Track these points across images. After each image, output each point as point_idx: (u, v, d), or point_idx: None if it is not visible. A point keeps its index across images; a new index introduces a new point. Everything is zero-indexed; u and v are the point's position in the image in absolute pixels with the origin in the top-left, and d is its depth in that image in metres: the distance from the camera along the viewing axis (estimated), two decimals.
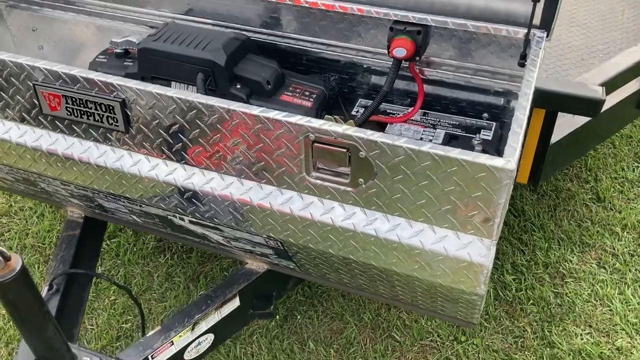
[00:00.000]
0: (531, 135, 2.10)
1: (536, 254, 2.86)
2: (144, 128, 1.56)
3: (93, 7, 2.38)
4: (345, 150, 1.35)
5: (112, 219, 2.17)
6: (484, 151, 1.86)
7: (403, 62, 1.86)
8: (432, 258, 1.44)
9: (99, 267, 2.88)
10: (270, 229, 1.60)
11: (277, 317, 2.63)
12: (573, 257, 2.84)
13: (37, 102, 1.64)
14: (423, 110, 2.05)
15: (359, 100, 2.14)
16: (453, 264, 1.43)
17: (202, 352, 1.95)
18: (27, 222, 3.11)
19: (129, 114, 1.55)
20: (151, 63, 2.02)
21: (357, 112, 2.09)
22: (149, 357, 1.78)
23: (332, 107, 2.13)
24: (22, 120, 1.73)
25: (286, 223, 1.56)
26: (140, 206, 1.80)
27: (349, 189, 1.42)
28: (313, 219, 1.51)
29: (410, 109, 2.03)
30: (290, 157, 1.44)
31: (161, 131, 1.54)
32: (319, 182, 1.45)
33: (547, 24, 1.67)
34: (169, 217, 1.80)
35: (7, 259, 1.43)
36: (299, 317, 2.64)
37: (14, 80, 1.63)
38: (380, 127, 2.01)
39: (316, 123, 1.35)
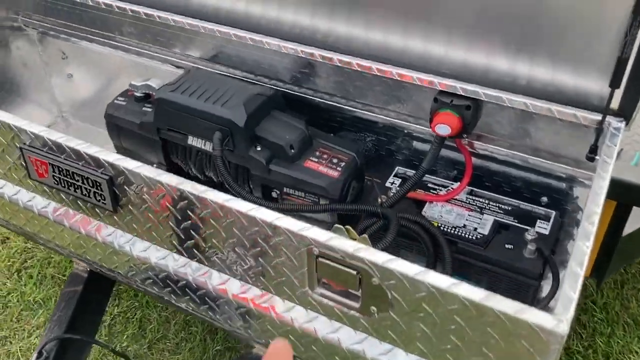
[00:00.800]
0: (599, 227, 1.77)
1: (596, 341, 2.50)
2: (133, 210, 1.35)
3: (122, 42, 2.21)
4: (355, 272, 1.09)
5: (116, 279, 1.99)
6: (537, 250, 1.55)
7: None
8: None
9: (115, 307, 2.73)
10: (269, 336, 1.36)
11: None
12: None
13: (25, 165, 1.47)
14: (470, 188, 1.76)
15: (397, 167, 1.86)
16: None
17: None
18: (50, 250, 3.00)
19: (117, 193, 1.34)
20: (167, 115, 1.82)
21: (392, 183, 1.82)
22: None
23: (367, 169, 1.87)
24: (14, 179, 1.56)
25: (287, 334, 1.31)
26: (135, 283, 1.60)
27: (358, 314, 1.16)
28: (317, 336, 1.26)
29: (455, 186, 1.75)
30: (290, 268, 1.19)
31: (151, 216, 1.33)
32: (324, 300, 1.20)
33: (627, 111, 1.36)
34: (165, 298, 1.59)
35: None
36: None
37: (2, 139, 1.47)
38: (417, 205, 1.74)
39: (321, 236, 1.10)
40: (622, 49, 1.26)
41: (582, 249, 1.07)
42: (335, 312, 1.20)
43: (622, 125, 1.36)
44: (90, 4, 1.95)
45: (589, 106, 1.41)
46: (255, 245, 1.20)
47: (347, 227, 1.15)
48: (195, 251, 1.33)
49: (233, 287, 1.35)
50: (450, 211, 1.70)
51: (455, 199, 1.73)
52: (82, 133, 2.60)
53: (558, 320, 0.94)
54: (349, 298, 1.16)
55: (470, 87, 1.48)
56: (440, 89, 1.52)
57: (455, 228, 1.65)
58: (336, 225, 1.20)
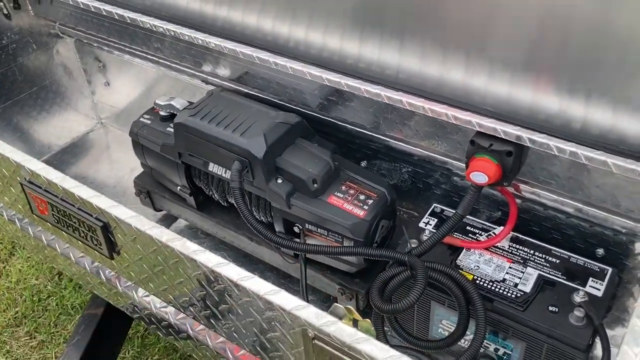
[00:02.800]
0: None
1: None
2: (128, 258, 1.25)
3: (153, 54, 2.13)
4: None
5: None
6: (587, 317, 1.34)
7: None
8: None
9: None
10: None
11: None
12: None
13: (27, 201, 1.40)
14: (514, 234, 1.56)
15: (434, 205, 1.68)
16: None
17: None
18: None
19: (113, 240, 1.25)
20: (187, 140, 1.72)
21: (427, 223, 1.64)
22: None
23: (402, 200, 1.71)
24: (20, 211, 1.50)
25: None
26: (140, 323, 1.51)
27: None
28: None
29: (497, 231, 1.55)
30: (287, 345, 1.06)
31: (147, 268, 1.23)
32: None
33: None
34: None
35: None
36: None
37: (5, 172, 1.40)
38: (453, 251, 1.56)
39: (316, 319, 0.95)
40: None
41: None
42: None
43: None
44: (117, 17, 1.87)
45: None
46: (249, 316, 1.08)
47: (349, 307, 1.00)
48: (191, 309, 1.21)
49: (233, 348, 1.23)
50: (490, 261, 1.51)
51: (496, 247, 1.54)
52: (120, 140, 2.56)
53: None
54: None
55: (513, 130, 1.28)
56: (478, 129, 1.33)
57: (493, 282, 1.46)
58: (335, 304, 1.05)
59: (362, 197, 1.59)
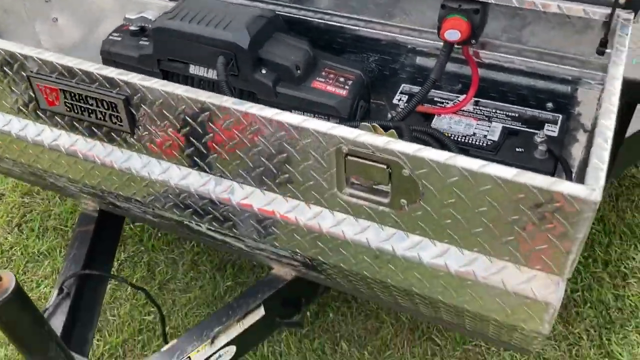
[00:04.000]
0: None
1: (595, 250, 2.58)
2: (151, 129, 1.35)
3: None
4: (385, 166, 1.11)
5: (127, 215, 1.99)
6: (549, 151, 1.59)
7: (456, 45, 1.59)
8: (486, 291, 1.21)
9: (122, 252, 2.73)
10: (296, 244, 1.39)
11: (308, 313, 2.45)
12: (637, 255, 2.56)
13: (33, 96, 1.44)
14: (476, 99, 1.78)
15: (402, 85, 1.87)
16: (512, 300, 1.19)
17: None
18: (49, 202, 2.98)
19: (134, 112, 1.34)
20: (167, 44, 1.79)
21: (399, 100, 1.83)
22: None
23: (371, 91, 1.87)
24: (21, 113, 1.54)
25: (314, 240, 1.34)
26: (154, 209, 1.60)
27: (388, 209, 1.19)
28: (345, 238, 1.29)
29: (462, 98, 1.76)
30: (319, 171, 1.20)
31: (171, 133, 1.33)
32: (353, 199, 1.22)
33: (635, 3, 1.37)
34: (185, 222, 1.60)
35: None
36: (331, 314, 2.45)
37: (7, 70, 1.44)
38: (426, 118, 1.75)
39: (350, 133, 1.11)
40: None
41: (604, 128, 1.09)
42: (364, 211, 1.22)
43: (631, 16, 1.38)
44: None
45: (598, 2, 1.42)
46: (282, 152, 1.21)
47: (374, 124, 1.16)
48: (218, 165, 1.33)
49: (257, 200, 1.36)
50: (459, 122, 1.72)
51: (463, 110, 1.75)
52: None
53: (590, 189, 0.97)
54: (378, 195, 1.18)
55: None
56: None
57: (465, 137, 1.67)
58: (362, 123, 1.21)
59: (341, 79, 1.75)
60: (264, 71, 1.73)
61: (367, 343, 2.35)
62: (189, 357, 1.65)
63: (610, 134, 1.08)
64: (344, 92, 1.71)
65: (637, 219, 2.68)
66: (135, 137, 1.39)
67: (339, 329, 2.41)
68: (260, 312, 1.78)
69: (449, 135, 1.68)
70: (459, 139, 1.66)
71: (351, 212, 1.24)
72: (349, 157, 1.14)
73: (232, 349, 1.78)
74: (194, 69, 1.81)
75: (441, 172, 1.06)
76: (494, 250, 1.14)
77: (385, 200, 1.17)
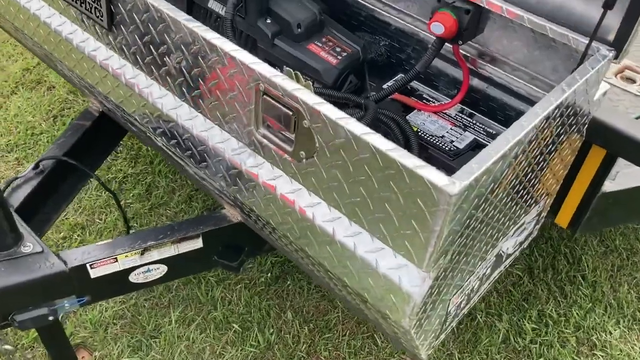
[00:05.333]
0: (583, 174, 1.74)
1: (572, 311, 2.47)
2: (124, 31, 1.44)
3: None
4: (291, 112, 1.14)
5: (120, 122, 2.11)
6: None
7: (448, 43, 1.58)
8: (361, 267, 1.22)
9: (131, 167, 2.89)
10: (221, 177, 1.45)
11: (269, 275, 2.50)
12: (616, 330, 2.42)
13: None
14: (462, 107, 1.76)
15: (400, 74, 1.87)
16: (380, 283, 1.19)
17: (151, 280, 1.86)
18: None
19: (113, 10, 1.43)
20: None
21: (389, 85, 1.83)
22: (88, 264, 1.72)
23: (373, 73, 1.89)
24: None
25: (235, 177, 1.39)
26: (123, 113, 1.71)
27: (289, 159, 1.22)
28: (258, 181, 1.33)
29: (447, 101, 1.75)
30: (241, 104, 1.25)
31: (137, 38, 1.42)
32: (264, 141, 1.26)
33: (619, 42, 1.31)
34: (143, 131, 1.69)
35: None
36: (289, 282, 2.50)
37: None
38: (406, 109, 1.76)
39: (267, 72, 1.15)
40: None
41: (503, 140, 1.07)
42: (273, 156, 1.26)
43: (611, 55, 1.32)
44: None
45: (588, 33, 1.37)
46: (215, 77, 1.27)
47: (297, 72, 1.20)
48: (169, 80, 1.41)
49: (198, 125, 1.43)
50: (435, 122, 1.71)
51: (444, 113, 1.74)
52: None
53: (451, 181, 0.97)
54: (285, 142, 1.22)
55: None
56: None
57: (432, 137, 1.66)
58: (287, 68, 1.25)
59: (338, 49, 1.78)
60: (268, 20, 1.79)
61: (312, 320, 2.38)
62: (116, 257, 1.75)
63: (503, 149, 1.05)
64: (334, 61, 1.74)
65: (632, 297, 2.53)
66: (112, 35, 1.49)
67: (292, 299, 2.44)
68: (198, 243, 1.85)
69: (417, 130, 1.67)
70: (425, 136, 1.65)
71: (262, 154, 1.28)
72: (265, 96, 1.18)
73: (163, 268, 1.86)
74: (211, 4, 1.89)
75: (332, 130, 1.09)
76: (369, 225, 1.15)
77: (289, 149, 1.21)
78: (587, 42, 1.34)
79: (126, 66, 1.53)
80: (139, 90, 1.47)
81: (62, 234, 2.58)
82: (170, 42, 1.32)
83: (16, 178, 1.93)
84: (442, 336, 1.53)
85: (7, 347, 1.77)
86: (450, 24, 1.48)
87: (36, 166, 1.96)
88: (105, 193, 2.73)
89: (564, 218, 1.88)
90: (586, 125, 1.52)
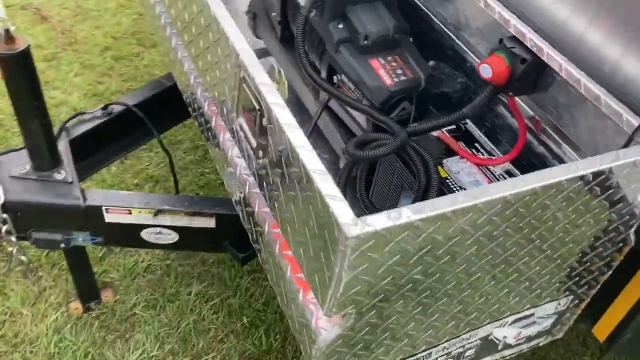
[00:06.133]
0: (632, 287, 1.46)
1: None
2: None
3: None
4: (258, 107, 1.08)
5: None
6: None
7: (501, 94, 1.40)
8: (289, 291, 1.12)
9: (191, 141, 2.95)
10: (217, 160, 1.42)
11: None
12: None
13: None
14: (511, 167, 1.56)
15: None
16: (298, 314, 1.09)
17: (161, 243, 1.90)
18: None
19: None
20: None
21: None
22: (104, 208, 1.79)
23: (441, 108, 1.75)
24: None
25: (230, 163, 1.35)
26: None
27: (253, 155, 1.15)
28: (236, 172, 1.29)
29: (495, 158, 1.56)
30: (230, 89, 1.21)
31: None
32: (240, 132, 1.21)
33: None
34: None
35: (10, 38, 1.54)
36: None
37: None
38: (448, 152, 1.60)
39: (248, 59, 1.09)
40: None
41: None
42: (243, 149, 1.20)
43: None
44: None
45: None
46: (214, 55, 1.24)
47: (280, 69, 1.12)
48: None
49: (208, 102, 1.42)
50: (472, 174, 1.53)
51: (487, 169, 1.55)
52: None
53: (355, 222, 0.84)
54: (253, 137, 1.16)
55: (538, 42, 1.28)
56: (513, 32, 1.34)
57: (460, 189, 1.49)
58: (273, 63, 1.18)
59: (399, 71, 1.66)
60: (340, 25, 1.72)
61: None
62: (130, 210, 1.80)
63: (462, 203, 0.89)
64: (388, 82, 1.63)
65: None
66: None
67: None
68: (211, 223, 1.85)
69: (447, 177, 1.51)
70: (452, 186, 1.49)
71: (237, 145, 1.24)
72: (243, 85, 1.13)
73: (174, 235, 1.89)
74: None
75: (278, 134, 1.00)
76: (294, 247, 1.05)
77: (254, 145, 1.14)
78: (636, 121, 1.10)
79: None
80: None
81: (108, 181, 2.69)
82: None
83: (84, 113, 2.07)
84: None
85: (23, 257, 1.90)
86: (501, 70, 1.31)
87: (105, 107, 2.08)
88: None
89: (602, 330, 1.59)
90: (634, 228, 1.27)
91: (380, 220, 0.85)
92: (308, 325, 1.04)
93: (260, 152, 1.10)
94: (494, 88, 1.39)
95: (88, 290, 2.26)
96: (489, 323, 1.33)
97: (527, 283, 1.27)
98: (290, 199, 1.01)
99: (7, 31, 1.52)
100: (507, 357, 1.54)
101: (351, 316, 0.99)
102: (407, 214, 0.86)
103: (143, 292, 2.36)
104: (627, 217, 1.21)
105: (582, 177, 1.00)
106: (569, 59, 1.26)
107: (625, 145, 1.12)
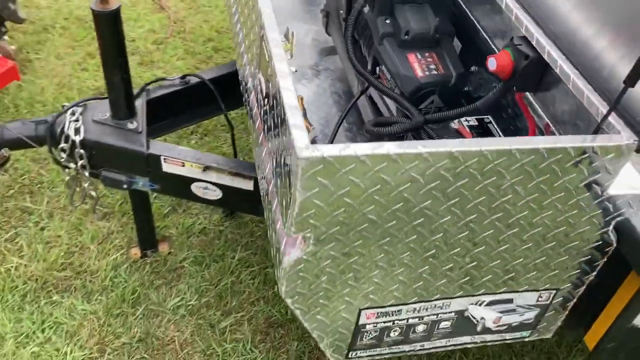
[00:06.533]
0: (618, 299, 1.49)
1: None
2: None
3: None
4: (267, 60, 1.27)
5: None
6: None
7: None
8: (271, 221, 1.30)
9: None
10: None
11: None
12: None
13: None
14: None
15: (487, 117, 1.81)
16: (275, 240, 1.26)
17: (208, 198, 2.13)
18: None
19: None
20: None
21: (468, 120, 1.79)
22: (162, 157, 2.06)
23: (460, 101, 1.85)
24: None
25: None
26: None
27: (262, 104, 1.35)
28: (255, 126, 1.49)
29: None
30: (256, 47, 1.42)
31: None
32: (258, 86, 1.41)
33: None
34: None
35: None
36: None
37: None
38: None
39: (267, 19, 1.29)
40: None
41: None
42: (259, 99, 1.40)
43: (634, 143, 1.14)
44: None
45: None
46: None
47: (293, 32, 1.30)
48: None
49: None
50: None
51: None
52: None
53: (307, 147, 1.01)
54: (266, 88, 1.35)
55: (544, 41, 1.38)
56: (523, 31, 1.44)
57: None
58: (288, 27, 1.36)
59: (432, 67, 1.79)
60: (387, 20, 1.88)
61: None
62: (183, 162, 2.06)
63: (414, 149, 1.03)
64: (420, 74, 1.77)
65: None
66: None
67: None
68: (249, 185, 2.06)
69: None
70: None
71: (255, 102, 1.43)
72: (262, 43, 1.33)
73: (219, 192, 2.12)
74: None
75: (271, 80, 1.19)
76: (279, 181, 1.23)
77: (264, 94, 1.34)
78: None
79: None
80: None
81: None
82: None
83: (164, 79, 2.37)
84: (361, 353, 1.50)
85: (93, 193, 2.21)
86: (505, 63, 1.42)
87: (183, 77, 2.37)
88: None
89: (592, 338, 1.62)
90: (611, 226, 1.32)
91: (329, 149, 1.01)
92: (279, 248, 1.21)
93: (266, 100, 1.30)
94: (505, 84, 1.50)
95: (148, 239, 2.55)
96: (461, 296, 1.43)
97: (499, 261, 1.35)
98: (277, 135, 1.19)
99: None
100: (489, 343, 1.61)
101: (310, 240, 1.15)
102: (355, 148, 1.02)
103: (194, 250, 2.62)
104: (600, 211, 1.27)
105: (535, 151, 1.10)
106: (575, 62, 1.35)
107: (595, 131, 1.19)
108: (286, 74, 1.11)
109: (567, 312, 1.57)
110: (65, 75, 3.42)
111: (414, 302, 1.39)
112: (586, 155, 1.14)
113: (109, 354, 2.24)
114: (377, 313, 1.39)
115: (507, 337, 1.60)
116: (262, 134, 1.44)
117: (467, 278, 1.37)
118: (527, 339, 1.63)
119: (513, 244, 1.31)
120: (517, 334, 1.60)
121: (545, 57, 1.36)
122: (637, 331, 1.47)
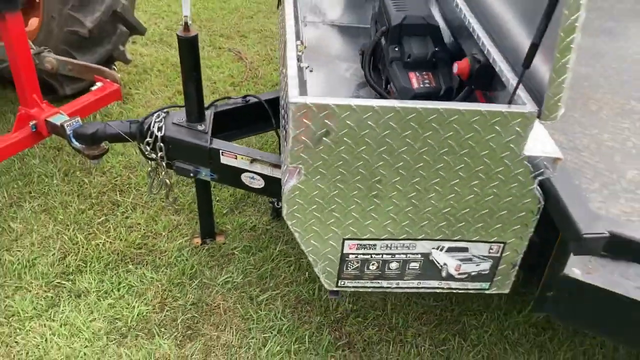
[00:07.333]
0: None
1: None
2: None
3: None
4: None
5: None
6: None
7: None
8: (284, 164, 1.82)
9: None
10: None
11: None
12: None
13: None
14: None
15: None
16: (284, 179, 1.79)
17: (253, 187, 2.68)
18: None
19: None
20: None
21: None
22: (221, 151, 2.64)
23: None
24: None
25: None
26: None
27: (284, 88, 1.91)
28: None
29: None
30: (282, 49, 2.00)
31: None
32: (284, 77, 1.98)
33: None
34: None
35: (187, 28, 2.51)
36: None
37: None
38: None
39: (289, 28, 1.87)
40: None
41: None
42: (283, 87, 1.96)
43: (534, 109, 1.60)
44: None
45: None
46: None
47: (304, 40, 1.86)
48: None
49: None
50: None
51: None
52: None
53: (298, 95, 1.55)
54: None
55: (493, 52, 1.87)
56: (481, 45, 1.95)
57: None
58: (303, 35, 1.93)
59: (427, 81, 2.31)
60: (396, 48, 2.44)
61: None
62: (236, 155, 2.63)
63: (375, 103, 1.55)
64: (416, 86, 2.29)
65: None
66: None
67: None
68: None
69: None
70: None
71: (282, 89, 2.00)
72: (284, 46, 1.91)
73: (262, 182, 2.67)
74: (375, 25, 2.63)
75: (286, 63, 1.75)
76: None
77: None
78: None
79: None
80: None
81: None
82: None
83: (230, 98, 3.00)
84: (347, 283, 1.95)
85: (168, 181, 2.83)
86: (463, 67, 1.92)
87: (245, 97, 3.00)
88: None
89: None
90: (535, 184, 1.75)
91: (312, 98, 1.54)
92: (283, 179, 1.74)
93: (284, 84, 1.86)
94: (465, 83, 1.99)
95: (208, 230, 3.13)
96: (423, 239, 1.87)
97: (449, 209, 1.80)
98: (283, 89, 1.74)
99: (186, 23, 2.49)
100: (455, 291, 2.01)
101: (301, 172, 1.66)
102: (328, 99, 1.54)
103: (244, 241, 3.16)
104: (522, 169, 1.71)
105: (459, 111, 1.58)
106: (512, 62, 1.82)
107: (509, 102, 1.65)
108: (293, 65, 1.68)
109: (517, 267, 1.95)
110: (158, 105, 4.17)
111: (385, 239, 1.85)
112: (498, 119, 1.61)
113: (167, 311, 2.78)
114: (357, 245, 1.85)
115: (470, 287, 1.99)
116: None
117: (426, 222, 1.82)
118: (487, 292, 2.01)
119: (457, 194, 1.76)
120: (478, 285, 1.99)
121: (491, 61, 1.85)
122: (570, 281, 1.82)
